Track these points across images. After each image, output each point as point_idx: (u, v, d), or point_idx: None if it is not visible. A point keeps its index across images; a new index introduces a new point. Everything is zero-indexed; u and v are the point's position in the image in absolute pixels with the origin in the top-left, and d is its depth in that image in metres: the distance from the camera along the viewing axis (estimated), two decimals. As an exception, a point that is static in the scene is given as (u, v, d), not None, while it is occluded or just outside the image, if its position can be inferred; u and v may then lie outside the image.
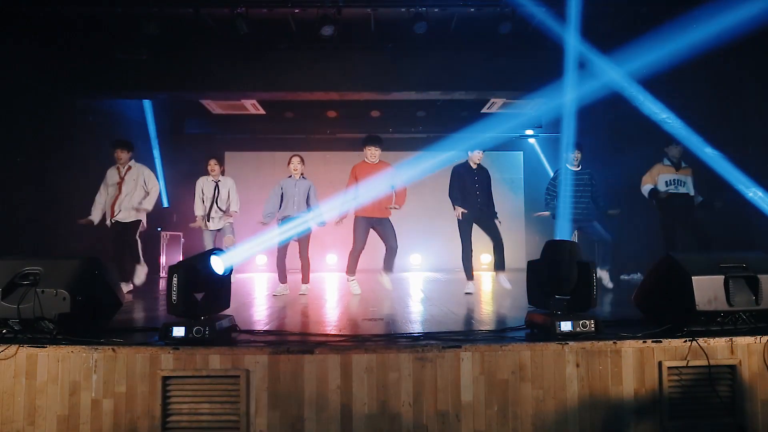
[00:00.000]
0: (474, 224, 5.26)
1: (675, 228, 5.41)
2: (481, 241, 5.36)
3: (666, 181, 5.43)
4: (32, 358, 2.52)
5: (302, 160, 5.50)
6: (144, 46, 6.37)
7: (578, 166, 5.45)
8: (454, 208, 5.25)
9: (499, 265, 5.24)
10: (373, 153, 5.25)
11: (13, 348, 2.52)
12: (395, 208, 5.23)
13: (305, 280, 5.42)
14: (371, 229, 5.24)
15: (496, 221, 5.32)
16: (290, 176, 5.47)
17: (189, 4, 5.78)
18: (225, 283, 2.84)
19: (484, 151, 5.41)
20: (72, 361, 2.51)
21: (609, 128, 7.99)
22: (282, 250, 5.37)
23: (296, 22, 6.14)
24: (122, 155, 5.49)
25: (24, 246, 5.58)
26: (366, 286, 5.79)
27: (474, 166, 5.37)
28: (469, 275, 5.29)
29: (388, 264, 5.28)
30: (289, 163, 5.49)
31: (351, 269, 5.36)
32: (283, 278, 5.42)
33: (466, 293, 5.11)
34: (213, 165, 5.81)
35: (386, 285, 5.28)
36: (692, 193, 5.44)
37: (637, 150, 6.91)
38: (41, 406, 2.50)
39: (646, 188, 5.55)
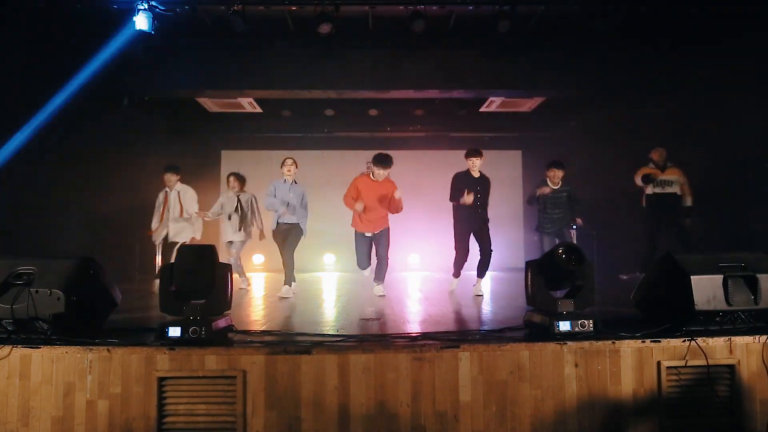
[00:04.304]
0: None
1: (657, 234, 5.66)
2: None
3: (654, 182, 5.70)
4: (26, 358, 2.50)
5: (296, 163, 5.38)
6: (139, 43, 6.32)
7: (558, 184, 5.53)
8: (461, 201, 5.10)
9: (481, 273, 5.31)
10: (379, 173, 5.09)
11: (7, 348, 2.49)
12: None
13: (288, 281, 5.17)
14: (372, 242, 5.18)
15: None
16: (284, 180, 5.32)
17: (185, 2, 5.74)
18: (223, 285, 2.78)
19: (479, 158, 5.26)
20: (66, 362, 2.49)
21: (603, 128, 7.99)
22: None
23: (293, 20, 6.10)
24: (172, 178, 5.87)
25: (17, 245, 5.54)
26: (363, 287, 5.77)
27: (475, 175, 5.29)
28: (456, 275, 5.41)
29: (379, 274, 5.20)
30: (282, 165, 5.33)
31: (362, 265, 5.22)
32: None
33: (451, 291, 5.32)
34: (233, 182, 6.00)
35: (377, 293, 5.13)
36: (680, 192, 5.63)
37: (630, 152, 6.89)
38: (35, 407, 2.47)
39: (638, 179, 5.79)
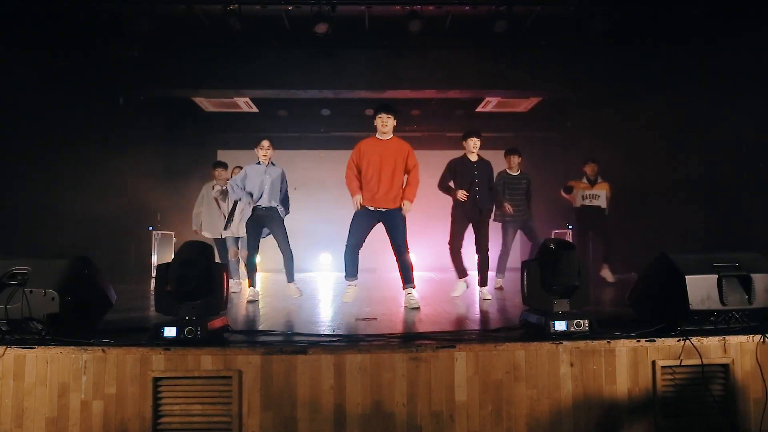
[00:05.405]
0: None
1: (587, 235, 6.35)
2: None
3: (582, 195, 6.27)
4: (20, 359, 2.48)
5: (272, 146, 4.85)
6: (136, 42, 6.31)
7: (518, 171, 5.84)
8: (453, 194, 4.66)
9: (481, 277, 4.75)
10: (384, 122, 4.17)
11: (1, 349, 2.48)
12: (406, 207, 4.18)
13: (290, 278, 4.79)
14: (377, 223, 4.20)
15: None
16: (258, 162, 4.85)
17: (182, 1, 5.72)
18: (219, 285, 2.76)
19: (479, 138, 4.78)
20: (61, 362, 2.47)
21: (599, 129, 8.01)
22: (253, 247, 4.75)
23: (290, 20, 6.10)
24: (224, 173, 6.00)
25: (12, 245, 5.51)
26: (360, 287, 5.66)
27: (473, 159, 4.79)
28: (460, 273, 4.81)
29: (405, 274, 4.15)
30: (258, 147, 4.80)
31: (350, 271, 4.21)
32: (252, 281, 4.77)
33: (454, 296, 4.75)
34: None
35: (411, 304, 4.08)
36: (604, 205, 6.17)
37: (627, 152, 6.94)
38: (29, 408, 2.46)
39: (562, 190, 6.45)
